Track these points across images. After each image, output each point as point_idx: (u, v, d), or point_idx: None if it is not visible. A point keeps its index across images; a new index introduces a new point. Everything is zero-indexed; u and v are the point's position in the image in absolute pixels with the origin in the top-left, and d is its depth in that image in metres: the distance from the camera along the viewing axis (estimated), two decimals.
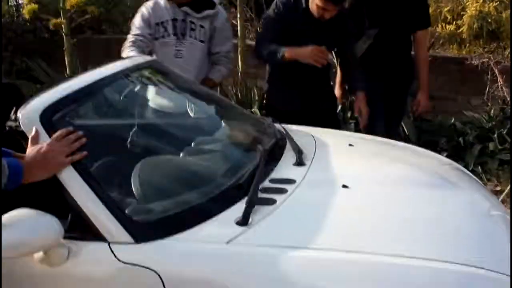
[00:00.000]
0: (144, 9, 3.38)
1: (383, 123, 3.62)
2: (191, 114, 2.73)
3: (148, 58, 2.58)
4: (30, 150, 1.77)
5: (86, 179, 1.78)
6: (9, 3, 7.86)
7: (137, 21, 3.37)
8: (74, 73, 5.97)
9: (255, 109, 5.54)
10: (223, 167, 2.17)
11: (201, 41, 3.38)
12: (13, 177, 1.68)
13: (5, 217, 1.61)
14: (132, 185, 1.88)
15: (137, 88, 2.41)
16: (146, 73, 2.52)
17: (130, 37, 3.31)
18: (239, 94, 5.87)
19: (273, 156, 2.31)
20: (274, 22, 3.33)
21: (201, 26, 3.36)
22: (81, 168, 1.81)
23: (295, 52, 3.11)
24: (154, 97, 2.60)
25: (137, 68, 2.46)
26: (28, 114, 1.83)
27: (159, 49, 3.35)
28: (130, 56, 2.96)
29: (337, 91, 3.87)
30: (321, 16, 3.20)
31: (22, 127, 1.82)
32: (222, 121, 2.68)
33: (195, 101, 2.80)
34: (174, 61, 3.24)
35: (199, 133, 2.49)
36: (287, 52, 3.11)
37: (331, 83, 3.84)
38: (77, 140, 1.82)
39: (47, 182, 1.79)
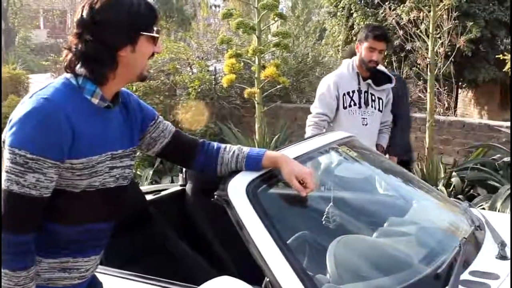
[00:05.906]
0: (329, 82, 3.66)
1: None
2: (383, 192, 2.69)
3: (346, 134, 2.61)
4: None
5: (282, 250, 1.80)
6: (209, 71, 8.56)
7: (320, 98, 3.68)
8: (263, 139, 6.28)
9: (440, 187, 5.32)
10: (419, 253, 2.09)
11: (380, 111, 3.76)
12: None
13: (206, 285, 1.68)
14: (327, 262, 1.87)
15: (334, 163, 2.44)
16: (343, 149, 2.55)
17: (312, 118, 3.65)
18: (424, 170, 5.70)
19: (472, 246, 2.17)
20: None
21: (379, 98, 3.75)
22: (279, 238, 1.83)
23: None
24: (347, 172, 2.60)
25: (336, 143, 2.50)
26: (235, 185, 1.93)
27: (345, 117, 3.66)
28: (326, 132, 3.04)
29: None
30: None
31: (229, 197, 1.91)
32: (415, 202, 2.59)
33: (388, 179, 2.76)
34: (361, 129, 3.59)
35: (391, 212, 2.43)
36: None
37: None
38: None
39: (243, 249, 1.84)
